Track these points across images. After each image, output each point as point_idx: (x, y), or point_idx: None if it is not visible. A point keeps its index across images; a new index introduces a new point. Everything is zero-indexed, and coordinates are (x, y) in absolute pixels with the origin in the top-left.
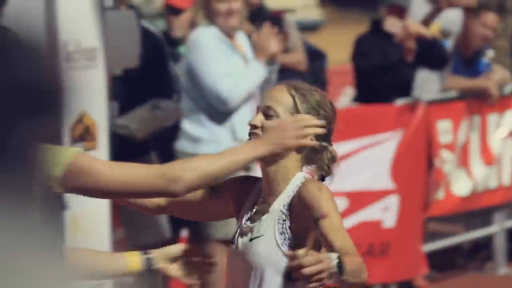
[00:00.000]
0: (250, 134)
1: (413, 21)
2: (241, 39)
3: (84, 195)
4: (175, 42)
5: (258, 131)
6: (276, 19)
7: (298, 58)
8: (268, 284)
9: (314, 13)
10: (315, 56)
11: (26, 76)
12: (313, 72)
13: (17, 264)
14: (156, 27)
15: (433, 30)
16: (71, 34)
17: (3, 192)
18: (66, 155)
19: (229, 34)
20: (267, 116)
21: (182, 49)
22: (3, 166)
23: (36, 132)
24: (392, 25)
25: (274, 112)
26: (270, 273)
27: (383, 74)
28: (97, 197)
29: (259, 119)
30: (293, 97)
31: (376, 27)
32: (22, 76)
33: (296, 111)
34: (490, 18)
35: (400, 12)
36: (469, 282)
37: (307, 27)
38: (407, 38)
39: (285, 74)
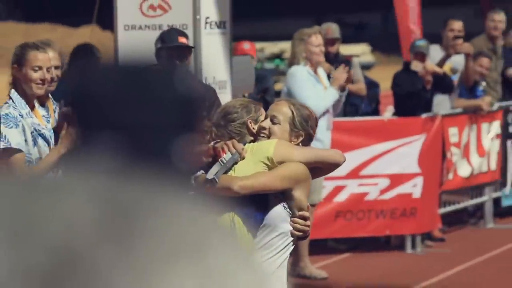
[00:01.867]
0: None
1: (430, 63)
2: (322, 73)
3: None
4: None
5: (266, 131)
6: (346, 61)
7: (360, 87)
8: None
9: (369, 58)
10: (371, 86)
11: (187, 95)
12: (369, 96)
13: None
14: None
15: (445, 68)
16: (210, 71)
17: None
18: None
19: (315, 70)
20: (273, 122)
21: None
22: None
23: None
24: (416, 65)
25: (278, 120)
26: None
27: (411, 98)
28: None
29: (268, 123)
30: (292, 111)
31: (407, 66)
32: (184, 94)
33: (293, 120)
34: (485, 61)
35: (422, 56)
36: (468, 233)
37: (364, 67)
38: (426, 74)
39: (352, 97)
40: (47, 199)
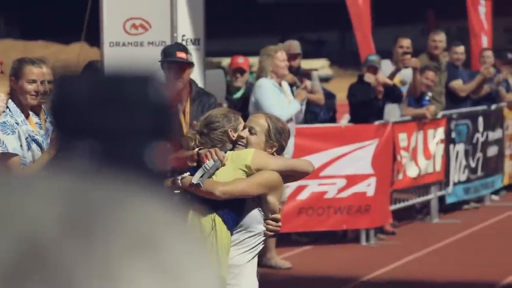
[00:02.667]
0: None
1: (381, 75)
2: (285, 86)
3: None
4: (236, 89)
5: (244, 140)
6: (307, 74)
7: (319, 97)
8: None
9: (328, 71)
10: (329, 96)
11: (160, 103)
12: (327, 105)
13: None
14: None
15: (395, 81)
16: None
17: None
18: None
19: (279, 83)
20: (250, 133)
21: (238, 94)
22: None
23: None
24: (369, 77)
25: (255, 131)
26: None
27: (365, 106)
28: None
29: (246, 133)
30: (268, 124)
31: (361, 78)
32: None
33: (269, 132)
34: (430, 74)
35: (374, 70)
36: (416, 227)
37: (324, 79)
38: (378, 85)
39: (312, 106)
40: (15, 195)
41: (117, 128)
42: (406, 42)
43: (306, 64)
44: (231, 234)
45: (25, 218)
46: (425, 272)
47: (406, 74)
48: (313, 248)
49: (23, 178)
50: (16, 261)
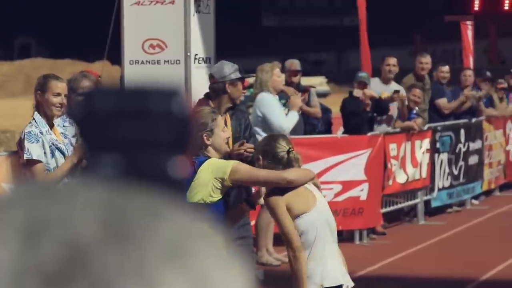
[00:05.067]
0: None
1: (369, 90)
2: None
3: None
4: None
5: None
6: (306, 90)
7: (317, 110)
8: None
9: (325, 87)
10: (325, 111)
11: (182, 116)
12: (323, 119)
13: None
14: None
15: (383, 95)
16: (197, 96)
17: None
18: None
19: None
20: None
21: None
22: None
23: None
24: (357, 92)
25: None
26: None
27: (354, 117)
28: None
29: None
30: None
31: (351, 93)
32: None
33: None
34: (417, 91)
35: (364, 85)
36: (405, 228)
37: (322, 95)
38: (365, 98)
39: (310, 119)
40: (58, 203)
41: (142, 141)
42: (392, 61)
43: (305, 81)
44: None
45: (67, 225)
46: (413, 269)
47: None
48: None
49: (65, 186)
50: (60, 267)
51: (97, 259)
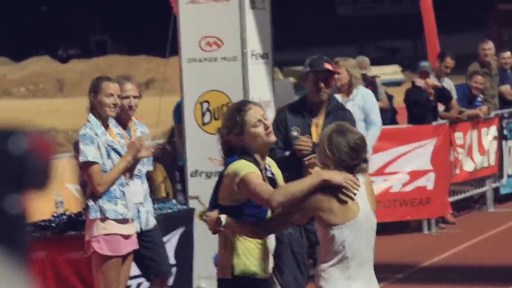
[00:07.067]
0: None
1: (431, 79)
2: None
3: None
4: None
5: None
6: (372, 82)
7: (384, 101)
8: None
9: (400, 76)
10: (389, 98)
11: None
12: (391, 109)
13: None
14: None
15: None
16: (256, 93)
17: None
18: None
19: None
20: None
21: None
22: None
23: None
24: (419, 82)
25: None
26: None
27: (418, 107)
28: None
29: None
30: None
31: (414, 83)
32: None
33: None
34: (478, 78)
35: (426, 74)
36: (474, 216)
37: (396, 83)
38: (428, 88)
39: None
40: None
41: None
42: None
43: (379, 70)
44: None
45: None
46: (483, 257)
47: (448, 83)
48: (381, 237)
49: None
50: None
51: None
